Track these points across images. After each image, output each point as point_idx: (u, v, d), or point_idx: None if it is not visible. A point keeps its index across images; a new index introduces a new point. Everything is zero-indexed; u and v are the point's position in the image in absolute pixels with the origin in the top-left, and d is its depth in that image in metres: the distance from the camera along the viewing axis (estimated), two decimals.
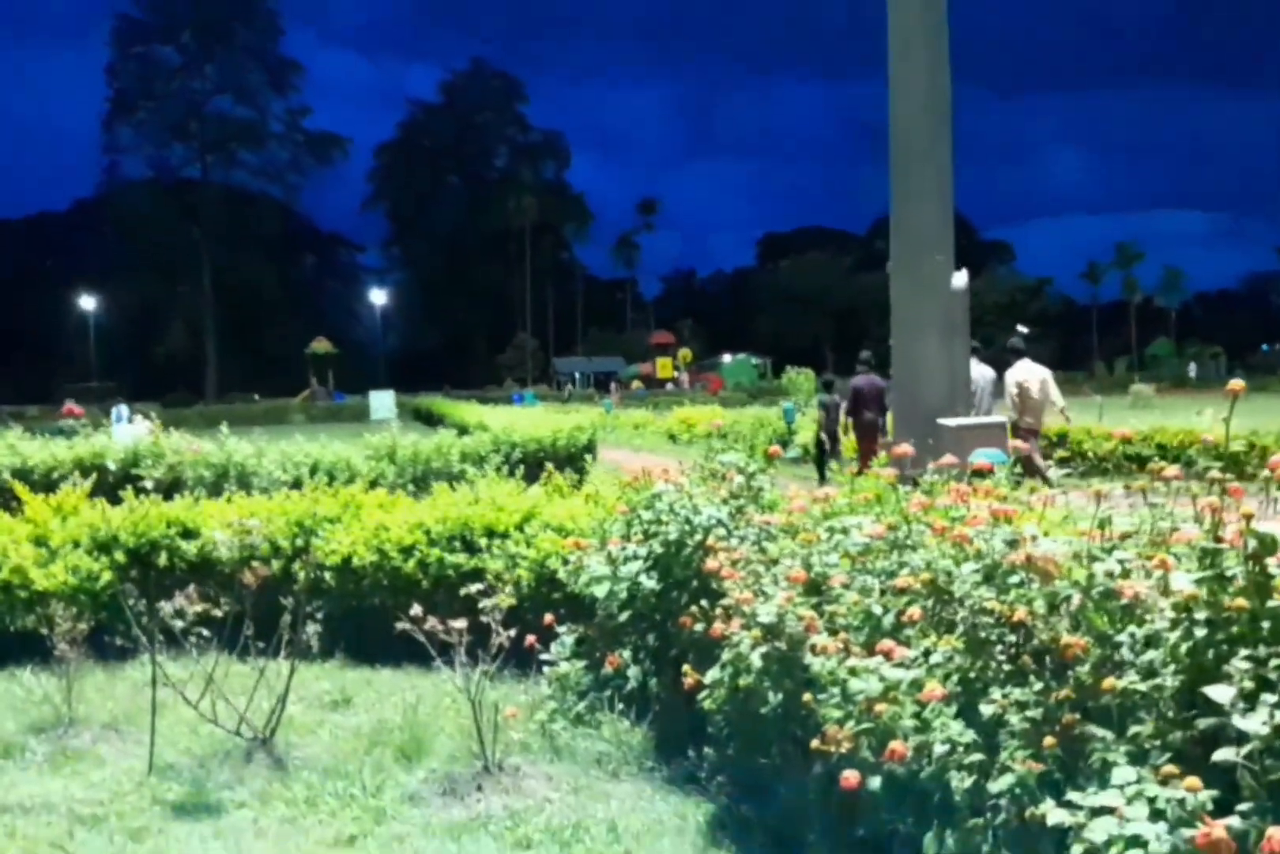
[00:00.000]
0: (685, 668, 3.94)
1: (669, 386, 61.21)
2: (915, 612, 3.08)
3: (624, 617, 4.68)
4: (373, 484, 12.03)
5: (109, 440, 13.36)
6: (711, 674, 3.72)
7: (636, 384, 61.26)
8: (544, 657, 4.98)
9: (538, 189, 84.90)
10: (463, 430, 22.97)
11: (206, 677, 4.61)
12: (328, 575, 6.29)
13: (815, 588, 3.71)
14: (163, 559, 6.64)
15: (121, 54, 77.71)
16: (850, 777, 2.82)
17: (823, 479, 13.89)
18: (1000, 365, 12.36)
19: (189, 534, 6.78)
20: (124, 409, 21.68)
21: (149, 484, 5.98)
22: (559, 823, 3.68)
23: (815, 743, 3.01)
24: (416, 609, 4.32)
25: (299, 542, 6.54)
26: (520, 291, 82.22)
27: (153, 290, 74.74)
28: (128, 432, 20.11)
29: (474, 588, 4.41)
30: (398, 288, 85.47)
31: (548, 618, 5.10)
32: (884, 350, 14.53)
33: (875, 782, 2.86)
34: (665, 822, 3.72)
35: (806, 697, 3.18)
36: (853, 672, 3.10)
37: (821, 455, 15.13)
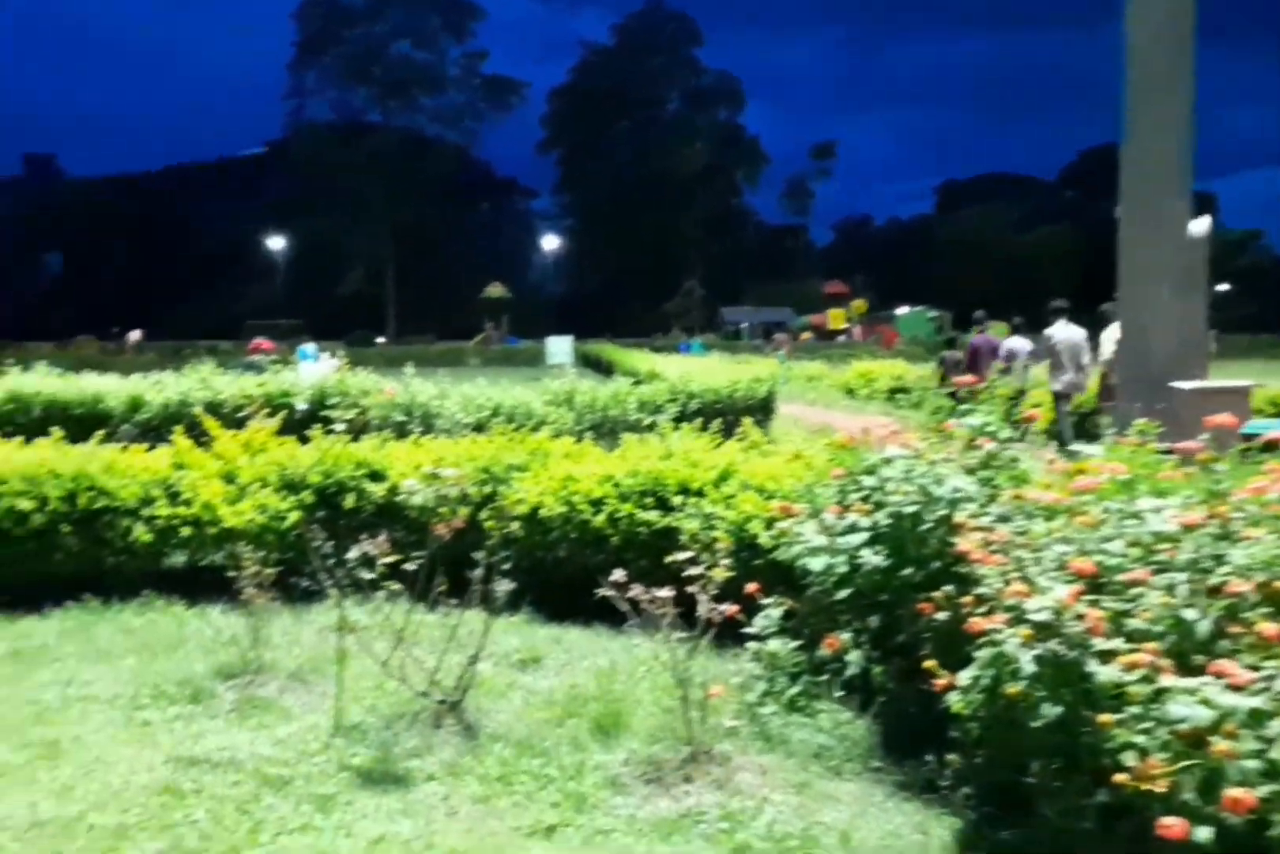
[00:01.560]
0: (929, 664, 3.43)
1: (840, 339, 59.63)
2: (1270, 627, 2.48)
3: (842, 594, 4.19)
4: (555, 430, 11.89)
5: (296, 378, 13.57)
6: (966, 674, 3.20)
7: (806, 335, 59.88)
8: (747, 630, 4.55)
9: (710, 133, 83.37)
10: (635, 378, 22.74)
11: (395, 632, 4.36)
12: (514, 525, 6.01)
13: (1095, 583, 3.14)
14: (349, 501, 6.49)
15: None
16: (1172, 826, 2.28)
17: None
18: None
19: (376, 476, 6.61)
20: (311, 346, 22.15)
21: (339, 426, 5.76)
22: (782, 829, 3.27)
23: (1121, 777, 2.47)
24: (619, 573, 3.94)
25: (486, 489, 6.29)
26: (688, 238, 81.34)
27: (335, 232, 76.96)
28: (314, 369, 20.58)
29: (679, 557, 3.97)
30: (567, 233, 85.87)
31: (750, 586, 4.65)
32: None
33: (1203, 833, 2.31)
34: (904, 836, 3.26)
35: (1104, 718, 2.64)
36: (1162, 692, 2.54)
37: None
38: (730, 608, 4.20)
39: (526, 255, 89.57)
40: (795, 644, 4.27)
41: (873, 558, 4.07)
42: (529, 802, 3.49)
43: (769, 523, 5.19)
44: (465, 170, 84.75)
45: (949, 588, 3.66)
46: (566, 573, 6.05)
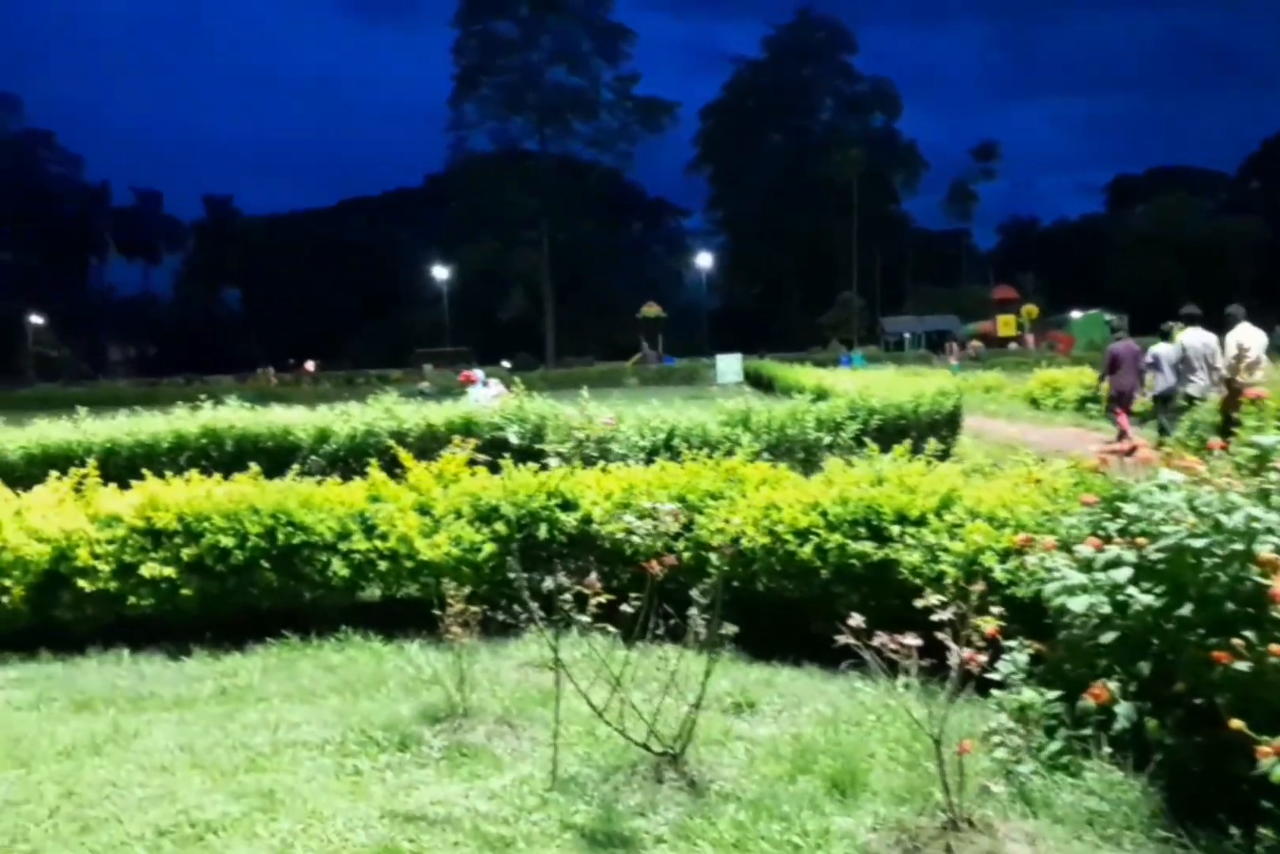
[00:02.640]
0: (1237, 724, 2.96)
1: (1011, 346, 57.52)
2: None
3: (1106, 637, 3.73)
4: (727, 453, 11.58)
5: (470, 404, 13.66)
6: None
7: (976, 344, 57.97)
8: (991, 676, 4.12)
9: (865, 140, 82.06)
10: (796, 393, 22.25)
11: (610, 675, 4.11)
12: (713, 557, 5.72)
13: None
14: (542, 531, 6.33)
15: (465, 32, 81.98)
16: None
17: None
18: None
19: (568, 506, 6.43)
20: (479, 373, 22.49)
21: (553, 460, 5.50)
22: None
23: None
24: (857, 618, 3.58)
25: (681, 518, 6.01)
26: (844, 248, 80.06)
27: (495, 258, 78.96)
28: (484, 395, 20.86)
29: (933, 600, 3.57)
30: (720, 250, 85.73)
31: (989, 627, 4.22)
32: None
33: None
34: None
35: None
36: None
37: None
38: (966, 652, 3.79)
39: (679, 274, 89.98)
40: (1053, 695, 3.82)
41: (1143, 597, 3.60)
42: None
43: (1003, 556, 4.74)
44: (618, 192, 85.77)
45: (1249, 634, 3.18)
46: (770, 608, 5.73)
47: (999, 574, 4.67)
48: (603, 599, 4.12)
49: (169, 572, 6.23)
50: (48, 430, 11.12)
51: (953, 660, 3.52)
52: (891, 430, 12.72)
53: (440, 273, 73.08)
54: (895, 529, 5.17)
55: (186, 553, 6.25)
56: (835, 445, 12.30)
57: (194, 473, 7.07)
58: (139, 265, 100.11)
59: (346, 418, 11.00)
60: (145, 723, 4.92)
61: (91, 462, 7.24)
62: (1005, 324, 63.86)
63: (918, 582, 4.98)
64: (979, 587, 3.56)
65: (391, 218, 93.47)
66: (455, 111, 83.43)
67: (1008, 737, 3.85)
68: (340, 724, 4.77)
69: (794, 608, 5.57)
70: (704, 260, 78.06)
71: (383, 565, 6.26)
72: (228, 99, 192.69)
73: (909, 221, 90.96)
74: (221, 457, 10.80)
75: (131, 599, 6.26)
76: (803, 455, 11.96)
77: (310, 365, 67.57)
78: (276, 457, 10.82)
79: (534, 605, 6.15)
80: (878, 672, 3.69)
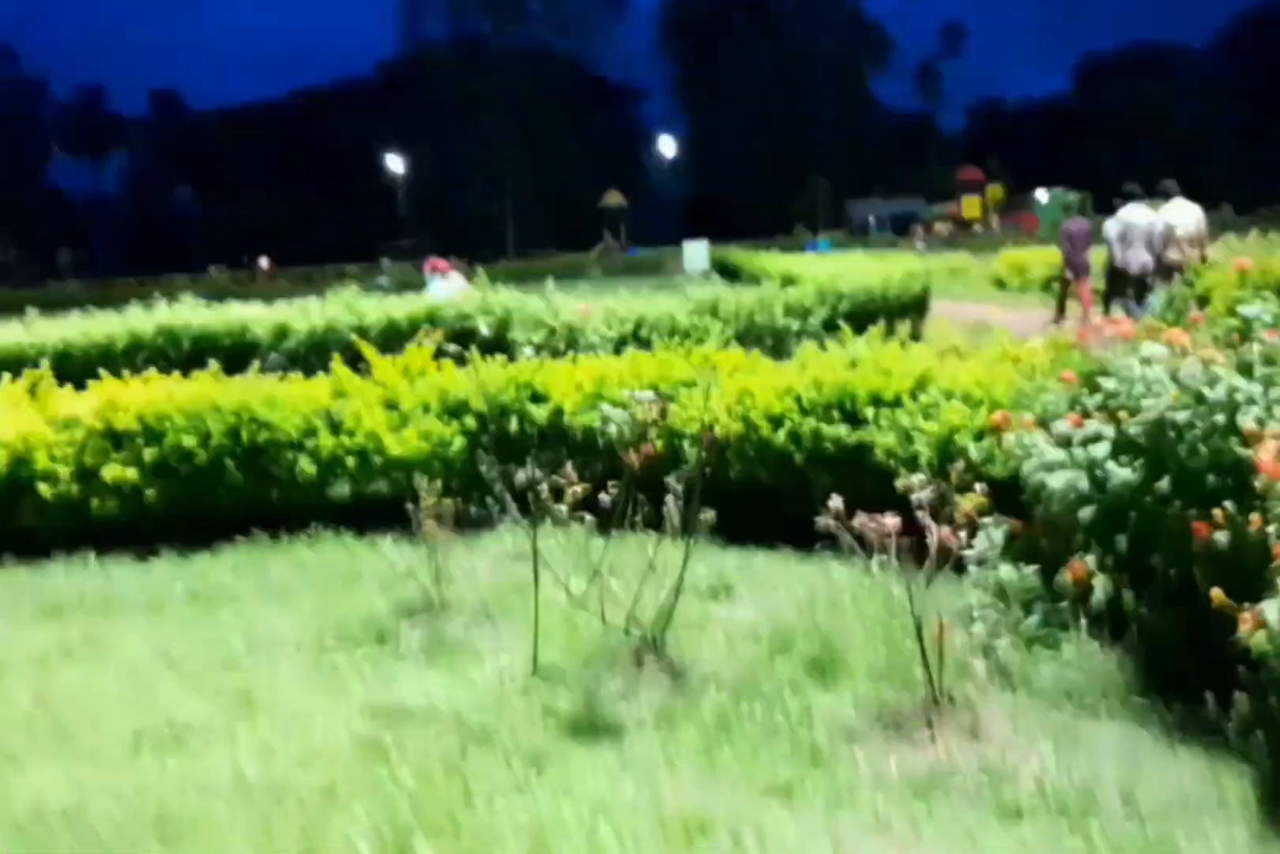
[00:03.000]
0: (1218, 594, 2.95)
1: (976, 228, 57.11)
2: None
3: (1084, 513, 3.70)
4: (698, 341, 11.45)
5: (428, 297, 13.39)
6: (1274, 608, 2.72)
7: (941, 226, 57.47)
8: (967, 553, 4.11)
9: (833, 21, 79.61)
10: (765, 281, 22.04)
11: (590, 562, 4.08)
12: (687, 445, 5.66)
13: None
14: (513, 424, 6.23)
15: None
16: None
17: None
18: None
19: (538, 398, 6.33)
20: (446, 262, 22.03)
21: (528, 350, 5.33)
22: (1051, 786, 2.87)
23: None
24: (837, 500, 3.53)
25: (660, 407, 5.92)
26: (813, 132, 78.46)
27: (453, 149, 76.78)
28: (444, 288, 20.47)
29: (912, 480, 3.52)
30: (685, 136, 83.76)
31: (965, 506, 4.20)
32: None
33: None
34: (1191, 796, 2.83)
35: None
36: None
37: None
38: (942, 530, 3.76)
39: (640, 160, 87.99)
40: (1030, 570, 3.82)
41: (1121, 471, 3.57)
42: (756, 754, 3.17)
43: (978, 435, 4.70)
44: (577, 77, 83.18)
45: (1228, 504, 3.15)
46: (744, 495, 5.69)
47: (974, 454, 4.63)
48: (579, 488, 4.05)
49: (131, 474, 6.10)
50: None
51: (930, 540, 3.48)
52: (860, 315, 12.59)
53: (396, 165, 71.10)
54: (870, 412, 5.10)
55: (149, 454, 6.11)
56: (804, 332, 12.20)
57: (152, 372, 6.88)
58: (85, 164, 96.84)
59: (306, 314, 10.77)
60: (116, 627, 4.86)
61: (45, 363, 7.01)
62: (970, 205, 63.31)
63: (892, 464, 4.95)
64: (959, 466, 3.50)
65: (344, 108, 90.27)
66: None
67: (985, 613, 3.86)
68: (316, 621, 4.74)
69: (769, 494, 5.54)
70: (667, 147, 76.34)
71: (351, 462, 6.16)
72: None
73: (878, 104, 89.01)
74: (178, 356, 10.57)
75: (95, 503, 6.14)
76: (771, 343, 11.87)
77: (265, 262, 66.13)
78: (235, 355, 10.57)
79: (508, 498, 6.12)
80: (854, 552, 3.66)
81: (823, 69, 75.88)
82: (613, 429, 3.88)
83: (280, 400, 6.29)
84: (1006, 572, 3.88)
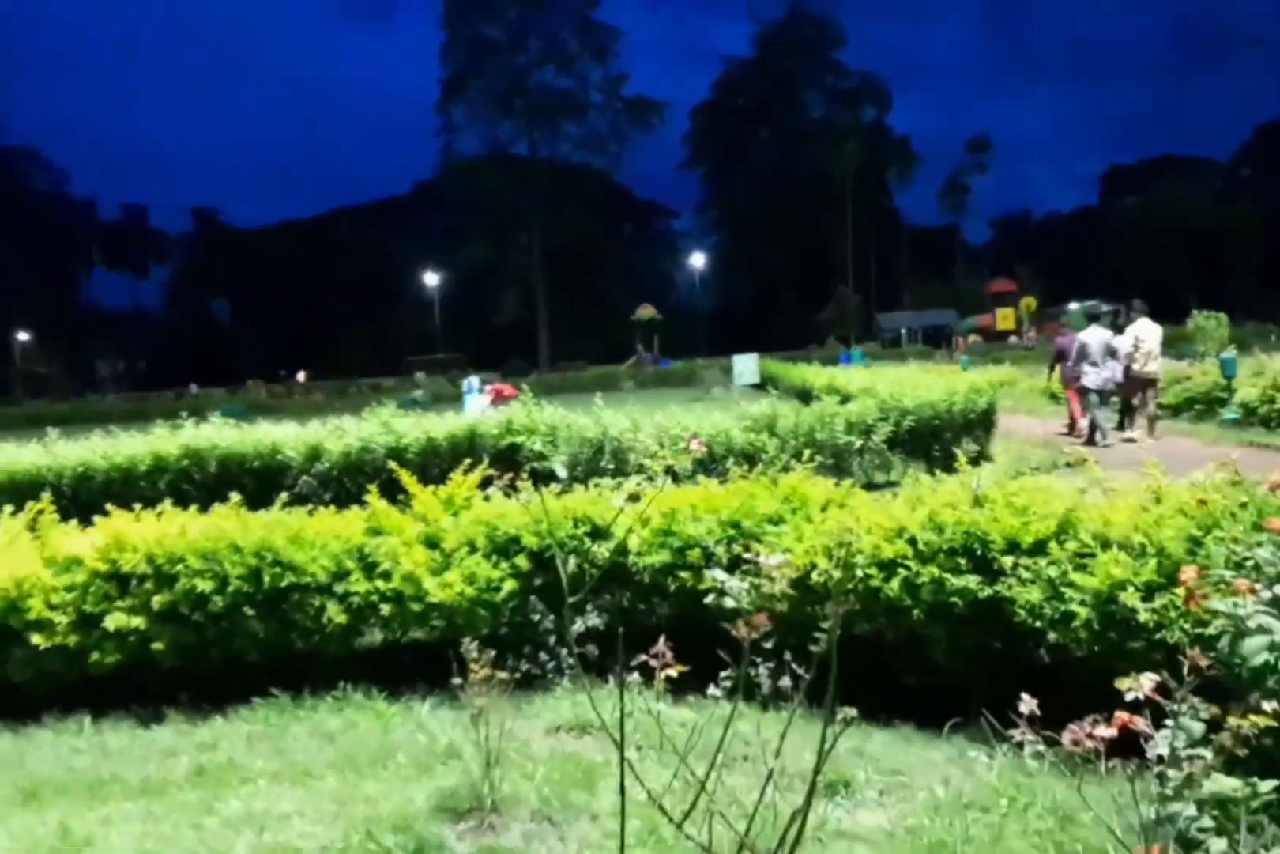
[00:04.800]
0: None
1: (1011, 339, 56.69)
2: None
3: None
4: (749, 461, 10.72)
5: (465, 413, 12.79)
6: None
7: (974, 338, 57.11)
8: (1155, 750, 3.24)
9: (857, 136, 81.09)
10: (803, 394, 21.44)
11: (665, 742, 3.24)
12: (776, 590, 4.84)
13: None
14: (570, 565, 5.44)
15: (452, 35, 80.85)
16: None
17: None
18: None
19: (598, 534, 5.55)
20: (474, 380, 21.61)
21: (560, 471, 4.57)
22: None
23: None
24: (1029, 703, 2.70)
25: (735, 547, 5.14)
26: (838, 245, 79.12)
27: (487, 263, 77.90)
28: (478, 403, 19.99)
29: (1142, 680, 2.68)
30: (713, 250, 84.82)
31: (1146, 684, 3.35)
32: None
33: None
34: None
35: None
36: None
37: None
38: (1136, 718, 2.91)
39: (672, 275, 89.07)
40: (1268, 786, 2.94)
41: None
42: None
43: (1147, 592, 3.87)
44: (609, 194, 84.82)
45: None
46: (845, 653, 4.85)
47: (1144, 616, 3.79)
48: (673, 671, 3.23)
49: (137, 622, 5.35)
50: (16, 455, 10.23)
51: (1151, 752, 2.64)
52: (925, 432, 11.88)
53: (431, 279, 72.08)
54: (1006, 560, 4.28)
55: (158, 600, 5.37)
56: (866, 450, 11.46)
57: (166, 505, 6.17)
58: (126, 279, 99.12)
59: (340, 434, 10.13)
60: (102, 821, 4.03)
61: (46, 496, 6.34)
62: (1004, 317, 63.01)
63: (1037, 624, 4.12)
64: (1194, 653, 2.68)
65: (381, 225, 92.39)
66: (444, 116, 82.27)
67: (1209, 837, 2.97)
68: (340, 817, 3.89)
69: (876, 653, 4.70)
70: (697, 260, 77.13)
71: (386, 609, 5.38)
72: (213, 109, 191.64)
73: (903, 217, 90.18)
74: (205, 479, 9.94)
75: (95, 655, 5.37)
76: (832, 461, 11.12)
77: (301, 376, 66.54)
78: (265, 478, 9.97)
79: (564, 653, 5.30)
80: (999, 738, 2.82)
81: (847, 183, 76.81)
82: (728, 603, 3.06)
83: (307, 538, 5.56)
84: (1226, 782, 2.99)
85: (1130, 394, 14.89)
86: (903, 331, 69.72)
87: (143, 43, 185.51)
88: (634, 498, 3.30)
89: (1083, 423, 15.22)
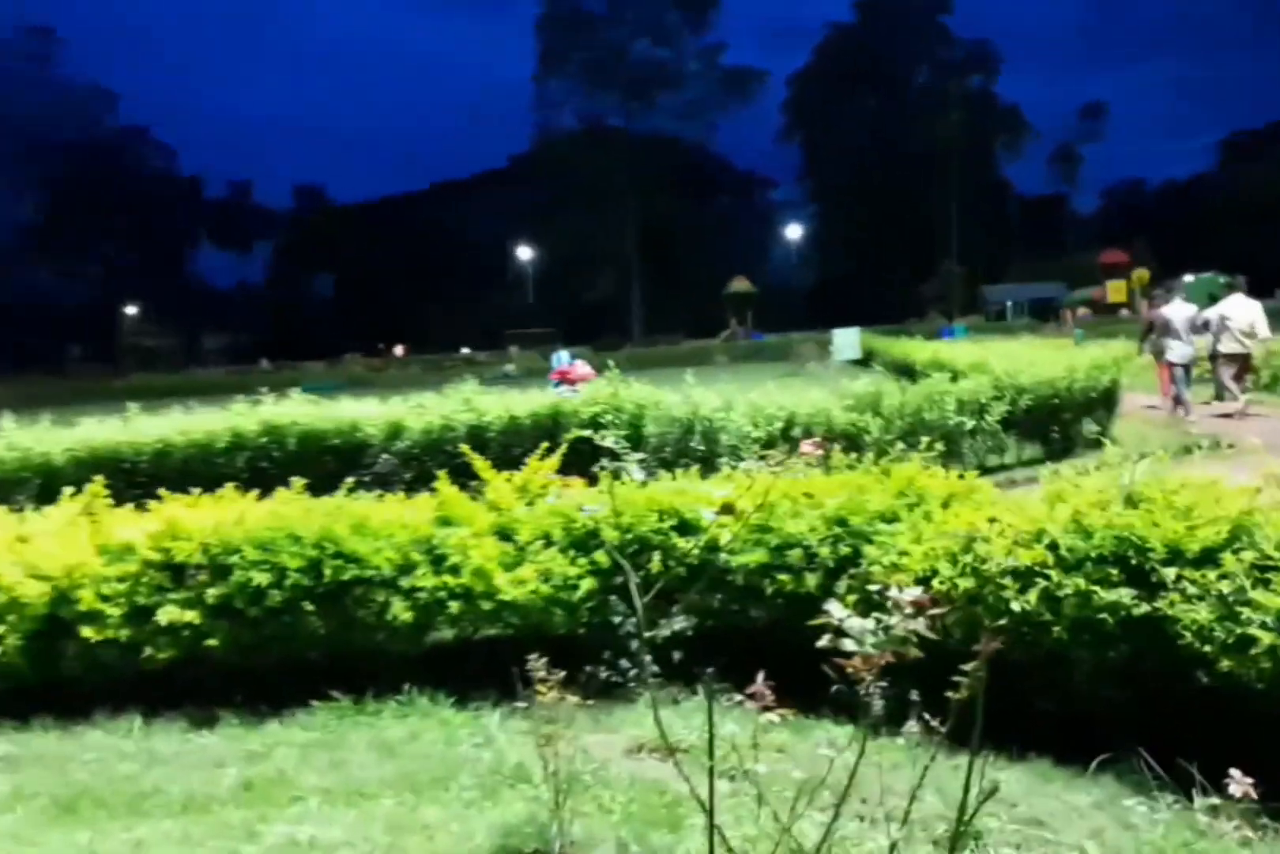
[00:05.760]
0: None
1: (1122, 312, 54.34)
2: None
3: None
4: (852, 441, 10.04)
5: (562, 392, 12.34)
6: None
7: (1083, 311, 54.87)
8: None
9: (963, 105, 78.50)
10: (905, 370, 20.52)
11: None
12: (888, 602, 4.24)
13: None
14: (654, 563, 4.91)
15: (549, 8, 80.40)
16: None
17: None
18: None
19: (685, 528, 5.01)
20: (564, 355, 21.09)
21: (637, 472, 4.00)
22: None
23: None
24: (1243, 785, 2.08)
25: (842, 548, 4.54)
26: (942, 217, 76.88)
27: (581, 237, 77.57)
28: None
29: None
30: (811, 222, 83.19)
31: None
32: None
33: None
34: None
35: None
36: None
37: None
38: None
39: (768, 247, 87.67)
40: None
41: None
42: None
43: None
44: (705, 166, 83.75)
45: None
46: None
47: None
48: (775, 717, 2.68)
49: (191, 616, 4.97)
50: (96, 430, 10.06)
51: None
52: (1043, 412, 11.06)
53: (526, 254, 72.01)
54: (1169, 572, 3.62)
55: (212, 593, 4.98)
56: (978, 431, 10.68)
57: (229, 488, 5.80)
58: (232, 254, 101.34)
59: (421, 411, 9.74)
60: (135, 844, 3.64)
61: (99, 478, 5.99)
62: (1115, 290, 60.30)
63: (1205, 648, 3.46)
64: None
65: (478, 200, 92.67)
66: (539, 90, 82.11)
67: None
68: (393, 852, 3.44)
69: (1004, 675, 4.07)
70: (794, 232, 75.73)
71: (454, 607, 4.92)
72: (316, 87, 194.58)
73: (1010, 187, 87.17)
74: (284, 456, 9.64)
75: (148, 650, 5.02)
76: (942, 445, 10.38)
77: (399, 350, 67.25)
78: (345, 456, 9.64)
79: (648, 660, 4.78)
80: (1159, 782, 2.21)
81: (953, 153, 74.42)
82: (848, 645, 2.47)
83: (372, 528, 5.12)
84: None
85: (1222, 372, 14.86)
86: (1008, 305, 67.47)
87: (245, 21, 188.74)
88: (727, 509, 2.76)
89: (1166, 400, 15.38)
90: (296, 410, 9.88)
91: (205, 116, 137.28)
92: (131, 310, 78.14)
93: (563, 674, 3.32)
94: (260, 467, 9.55)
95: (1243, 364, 14.66)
